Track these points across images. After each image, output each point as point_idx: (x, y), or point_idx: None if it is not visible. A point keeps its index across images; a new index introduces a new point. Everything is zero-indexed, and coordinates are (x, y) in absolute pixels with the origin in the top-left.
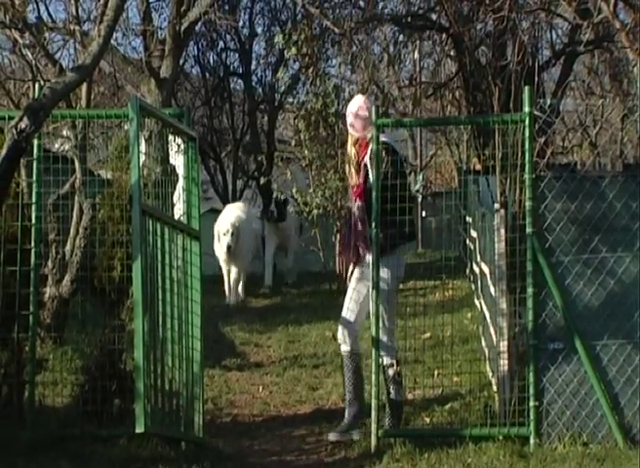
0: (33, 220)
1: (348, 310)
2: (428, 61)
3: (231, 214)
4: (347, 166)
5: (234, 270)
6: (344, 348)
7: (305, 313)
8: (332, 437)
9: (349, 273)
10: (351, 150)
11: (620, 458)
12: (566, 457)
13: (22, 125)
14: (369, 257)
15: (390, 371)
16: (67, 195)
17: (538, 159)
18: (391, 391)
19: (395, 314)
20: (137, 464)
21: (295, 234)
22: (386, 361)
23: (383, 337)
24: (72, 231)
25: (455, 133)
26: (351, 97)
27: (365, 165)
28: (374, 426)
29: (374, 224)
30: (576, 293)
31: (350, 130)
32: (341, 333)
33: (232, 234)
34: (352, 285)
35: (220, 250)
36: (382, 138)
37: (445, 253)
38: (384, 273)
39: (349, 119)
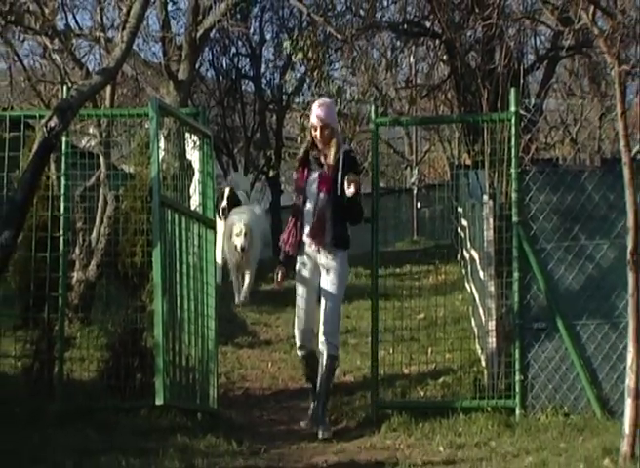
0: (62, 210)
1: (309, 313)
2: (423, 65)
3: (243, 214)
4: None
5: (247, 272)
6: (304, 352)
7: None
8: (325, 435)
9: (283, 262)
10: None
11: (598, 428)
12: (549, 427)
13: (52, 123)
14: (318, 250)
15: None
16: (93, 187)
17: (523, 154)
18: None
19: None
20: (157, 433)
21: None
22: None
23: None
24: (97, 220)
25: (447, 130)
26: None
27: (338, 158)
28: (374, 400)
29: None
30: (557, 277)
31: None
32: (304, 338)
33: (245, 235)
34: (305, 285)
35: (232, 250)
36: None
37: (438, 240)
38: (346, 267)
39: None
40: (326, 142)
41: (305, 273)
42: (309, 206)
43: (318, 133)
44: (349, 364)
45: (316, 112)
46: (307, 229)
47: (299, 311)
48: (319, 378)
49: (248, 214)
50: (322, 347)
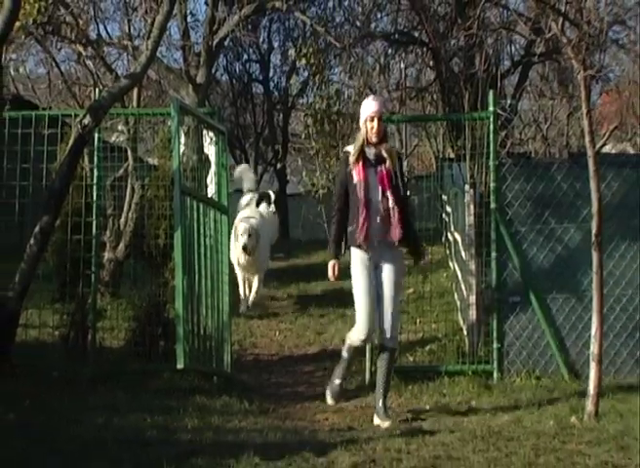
0: (94, 198)
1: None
2: (412, 70)
3: (250, 215)
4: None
5: (255, 278)
6: (363, 345)
7: (313, 273)
8: (387, 425)
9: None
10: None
11: (566, 389)
12: (523, 388)
13: (85, 121)
14: (382, 246)
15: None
16: (122, 178)
17: (500, 149)
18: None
19: None
20: (178, 394)
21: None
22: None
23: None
24: (125, 207)
25: (433, 127)
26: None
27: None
28: (368, 364)
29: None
30: (531, 257)
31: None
32: (369, 332)
33: (250, 236)
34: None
35: (236, 251)
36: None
37: (425, 224)
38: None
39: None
40: (381, 135)
41: (366, 268)
42: (373, 202)
43: (375, 124)
44: (346, 333)
45: (372, 104)
46: (372, 225)
47: (363, 306)
48: (381, 371)
49: (255, 214)
50: (386, 342)
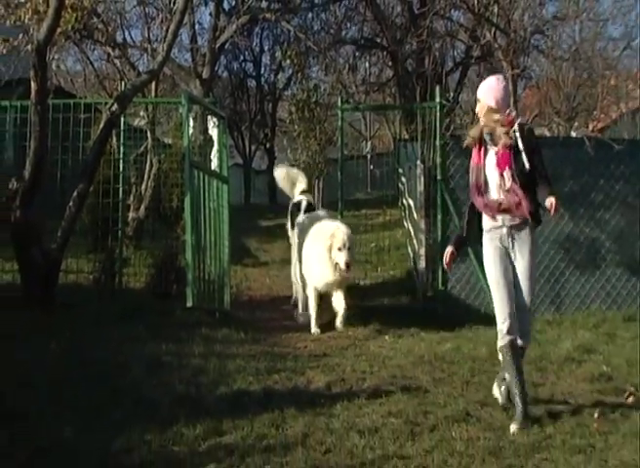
0: (121, 169)
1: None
2: (374, 69)
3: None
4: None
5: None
6: (513, 337)
7: None
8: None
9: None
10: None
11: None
12: (462, 322)
13: (113, 108)
14: (511, 227)
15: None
16: (143, 153)
17: (444, 131)
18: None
19: None
20: (187, 327)
21: None
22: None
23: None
24: (145, 176)
25: (391, 115)
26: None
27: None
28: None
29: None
30: None
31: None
32: (512, 322)
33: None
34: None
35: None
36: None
37: (385, 191)
38: (538, 245)
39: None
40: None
41: (499, 253)
42: (492, 183)
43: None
44: None
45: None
46: (497, 205)
47: (501, 295)
48: (515, 369)
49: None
50: (527, 339)
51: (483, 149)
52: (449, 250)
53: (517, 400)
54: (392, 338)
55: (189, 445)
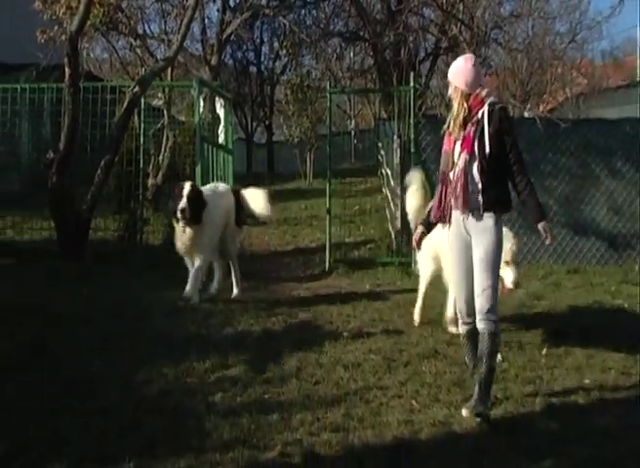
0: (141, 142)
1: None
2: (358, 58)
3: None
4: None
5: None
6: (470, 326)
7: (289, 195)
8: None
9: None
10: (461, 105)
11: None
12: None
13: (135, 90)
14: (466, 216)
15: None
16: (160, 129)
17: (417, 111)
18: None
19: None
20: None
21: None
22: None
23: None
24: (162, 148)
25: (372, 97)
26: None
27: (479, 119)
28: (328, 257)
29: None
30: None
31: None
32: (469, 310)
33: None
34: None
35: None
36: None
37: (367, 163)
38: (500, 233)
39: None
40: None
41: (457, 241)
42: (455, 170)
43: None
44: (313, 236)
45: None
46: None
47: (460, 282)
48: (481, 360)
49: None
50: (481, 325)
51: (453, 136)
52: (419, 230)
53: (477, 386)
54: (371, 286)
55: (200, 376)
